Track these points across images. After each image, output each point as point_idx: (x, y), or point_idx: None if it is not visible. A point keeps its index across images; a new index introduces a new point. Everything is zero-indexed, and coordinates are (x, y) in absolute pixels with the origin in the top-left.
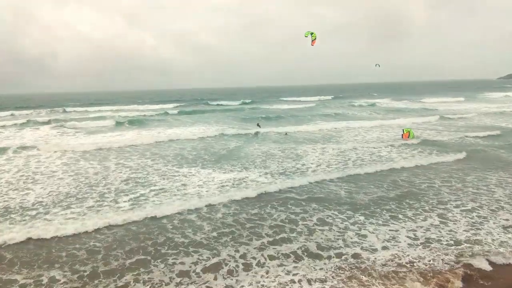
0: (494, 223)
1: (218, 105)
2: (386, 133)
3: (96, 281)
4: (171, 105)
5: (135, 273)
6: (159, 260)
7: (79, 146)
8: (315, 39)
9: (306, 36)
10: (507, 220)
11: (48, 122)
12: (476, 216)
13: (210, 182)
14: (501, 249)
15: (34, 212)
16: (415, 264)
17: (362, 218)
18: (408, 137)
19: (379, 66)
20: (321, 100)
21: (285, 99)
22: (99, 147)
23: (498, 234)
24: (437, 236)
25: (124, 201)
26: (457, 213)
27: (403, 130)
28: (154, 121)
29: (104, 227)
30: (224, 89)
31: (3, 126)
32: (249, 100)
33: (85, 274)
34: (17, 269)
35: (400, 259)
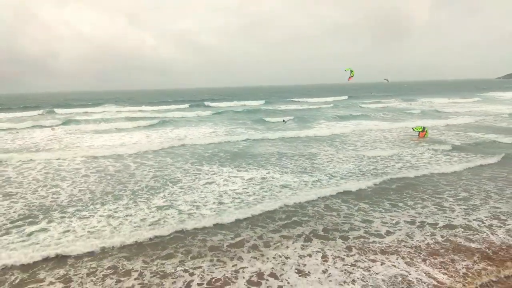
0: None
1: (243, 105)
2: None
3: None
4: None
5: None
6: (194, 237)
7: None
8: (352, 76)
9: (346, 71)
10: None
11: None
12: None
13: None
14: None
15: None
16: None
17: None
18: (424, 136)
19: (387, 81)
20: (335, 100)
21: (295, 99)
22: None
23: None
24: None
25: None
26: None
27: (412, 128)
28: (205, 121)
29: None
30: (226, 89)
31: (39, 126)
32: (263, 101)
33: None
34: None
35: None
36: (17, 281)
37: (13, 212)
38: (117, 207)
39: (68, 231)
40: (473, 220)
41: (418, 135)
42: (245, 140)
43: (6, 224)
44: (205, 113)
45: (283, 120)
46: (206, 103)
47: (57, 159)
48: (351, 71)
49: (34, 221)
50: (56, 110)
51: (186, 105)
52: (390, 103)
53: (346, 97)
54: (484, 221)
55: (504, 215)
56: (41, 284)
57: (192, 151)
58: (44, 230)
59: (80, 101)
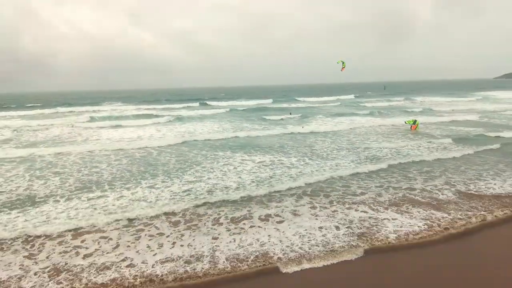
0: None
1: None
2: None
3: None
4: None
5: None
6: (225, 209)
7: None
8: (344, 67)
9: (338, 63)
10: None
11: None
12: None
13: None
14: None
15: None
16: None
17: None
18: (416, 128)
19: (384, 88)
20: (341, 99)
21: (301, 98)
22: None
23: None
24: None
25: None
26: None
27: (405, 121)
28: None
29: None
30: (228, 89)
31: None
32: (266, 100)
33: None
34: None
35: None
36: (89, 240)
37: (68, 186)
38: (155, 182)
39: (121, 197)
40: (429, 185)
41: (410, 128)
42: (249, 135)
43: (67, 193)
44: (210, 111)
45: (290, 113)
46: (209, 102)
47: (87, 151)
48: (343, 63)
49: (90, 190)
50: (61, 108)
51: (191, 104)
52: (396, 102)
53: (352, 96)
54: (437, 186)
55: (454, 183)
56: (112, 239)
57: (204, 142)
58: (101, 197)
59: (83, 100)
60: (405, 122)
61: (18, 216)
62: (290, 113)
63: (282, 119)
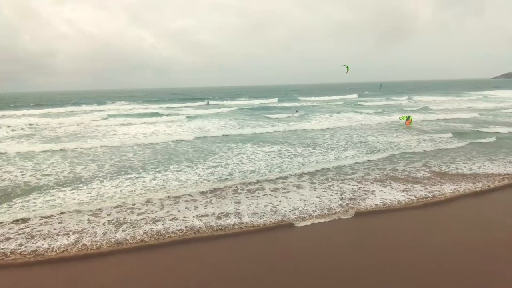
0: None
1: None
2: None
3: None
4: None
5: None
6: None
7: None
8: (348, 70)
9: (340, 67)
10: None
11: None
12: None
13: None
14: None
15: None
16: None
17: None
18: (410, 124)
19: (381, 87)
20: (346, 98)
21: (302, 98)
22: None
23: None
24: None
25: None
26: None
27: (399, 117)
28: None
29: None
30: (227, 88)
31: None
32: (275, 99)
33: None
34: None
35: None
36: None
37: (107, 169)
38: (181, 167)
39: (155, 178)
40: (409, 167)
41: (405, 123)
42: (255, 131)
43: (108, 175)
44: (215, 110)
45: (296, 110)
46: (212, 101)
47: (110, 145)
48: (347, 67)
49: (127, 173)
50: (71, 107)
51: (194, 103)
52: (393, 101)
53: (356, 95)
54: (416, 168)
55: (430, 165)
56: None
57: (215, 137)
58: (138, 178)
59: (87, 100)
60: (400, 118)
61: (73, 192)
62: (296, 111)
63: (289, 116)
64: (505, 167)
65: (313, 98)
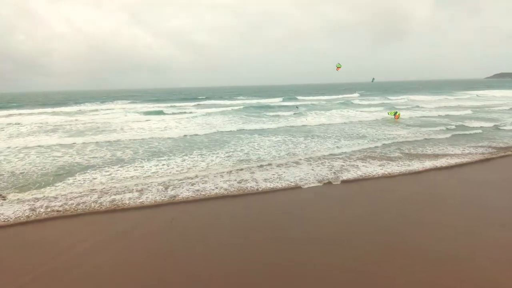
0: None
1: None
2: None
3: None
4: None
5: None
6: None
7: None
8: (339, 67)
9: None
10: None
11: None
12: None
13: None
14: None
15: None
16: None
17: None
18: (398, 117)
19: (373, 80)
20: (344, 97)
21: (304, 97)
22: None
23: None
24: None
25: None
26: None
27: (388, 113)
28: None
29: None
30: (226, 88)
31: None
32: (280, 99)
33: None
34: None
35: None
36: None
37: (141, 154)
38: (202, 152)
39: (184, 160)
40: (385, 150)
41: (394, 117)
42: (262, 127)
43: (145, 158)
44: (216, 109)
45: (296, 107)
46: (211, 101)
47: (133, 138)
48: (339, 65)
49: (159, 156)
50: (80, 106)
51: (195, 103)
52: (388, 100)
53: (354, 94)
54: (391, 151)
55: (403, 149)
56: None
57: (224, 131)
58: (170, 159)
59: (89, 100)
60: (388, 113)
61: (122, 169)
62: (297, 107)
63: (290, 114)
64: (463, 150)
65: (311, 97)
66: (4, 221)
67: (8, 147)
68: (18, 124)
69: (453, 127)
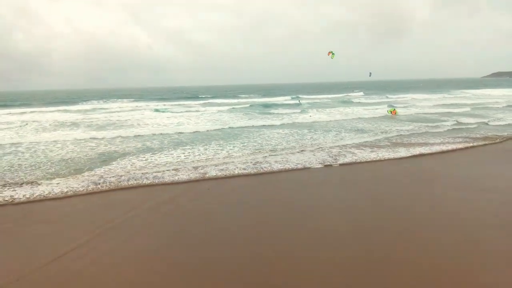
0: None
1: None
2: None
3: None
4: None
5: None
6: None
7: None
8: (332, 54)
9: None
10: None
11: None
12: None
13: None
14: None
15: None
16: None
17: None
18: (395, 113)
19: (370, 74)
20: (344, 96)
21: (306, 96)
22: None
23: None
24: None
25: None
26: None
27: (387, 110)
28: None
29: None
30: (225, 87)
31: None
32: (283, 98)
33: None
34: None
35: None
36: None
37: (167, 144)
38: (219, 143)
39: (206, 149)
40: (375, 139)
41: (391, 113)
42: (265, 123)
43: (171, 147)
44: (222, 108)
45: (299, 101)
46: (215, 99)
47: (151, 133)
48: (333, 54)
49: (183, 146)
50: (90, 104)
51: (197, 101)
52: (386, 99)
53: (353, 93)
54: (380, 140)
55: (391, 138)
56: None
57: (235, 126)
58: (193, 148)
59: (90, 98)
60: (387, 112)
61: (152, 156)
62: (299, 101)
63: (293, 112)
64: (443, 140)
65: (313, 96)
66: (75, 191)
67: (39, 142)
68: (35, 121)
69: (448, 122)
